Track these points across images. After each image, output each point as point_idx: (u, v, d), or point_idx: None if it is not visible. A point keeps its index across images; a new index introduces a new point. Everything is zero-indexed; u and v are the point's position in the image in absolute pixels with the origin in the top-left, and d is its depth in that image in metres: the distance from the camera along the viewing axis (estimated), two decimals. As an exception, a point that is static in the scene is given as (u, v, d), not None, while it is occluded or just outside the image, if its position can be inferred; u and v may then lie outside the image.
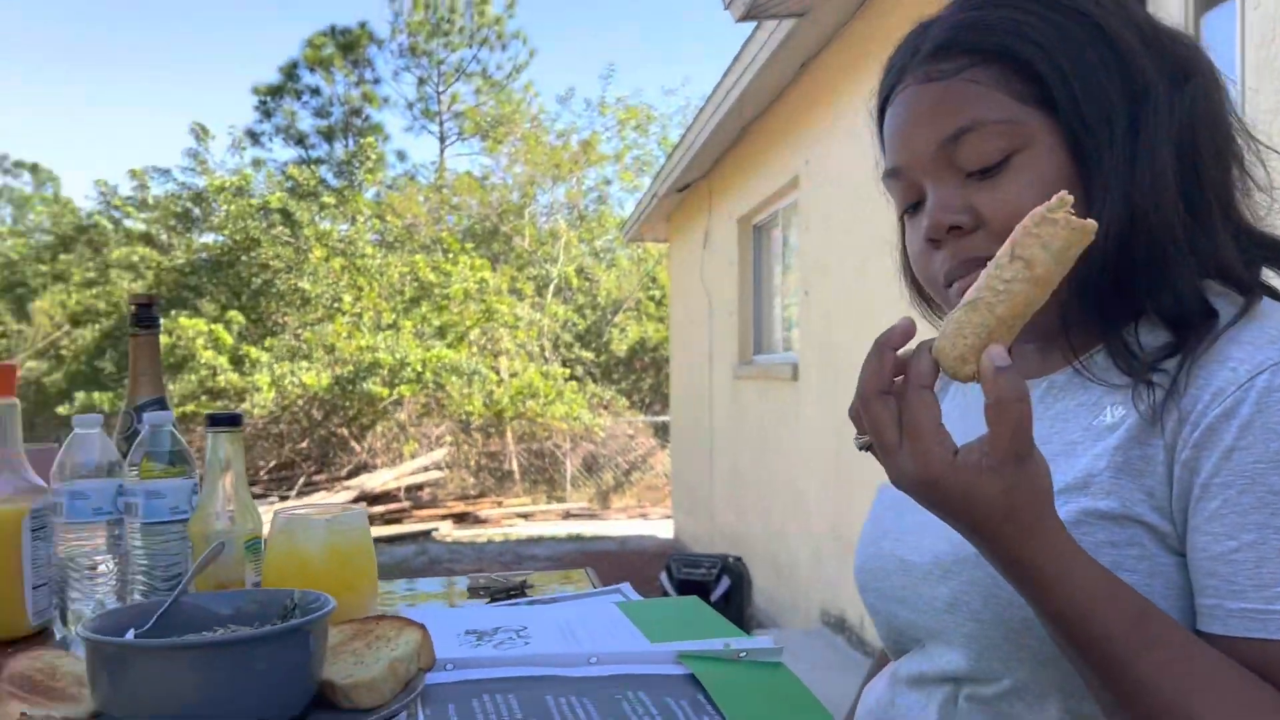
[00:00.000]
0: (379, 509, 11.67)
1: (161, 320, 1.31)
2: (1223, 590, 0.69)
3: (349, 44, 20.56)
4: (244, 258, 15.36)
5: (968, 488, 0.64)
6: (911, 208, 0.86)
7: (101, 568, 1.11)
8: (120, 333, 14.83)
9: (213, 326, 13.90)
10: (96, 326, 15.59)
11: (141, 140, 39.77)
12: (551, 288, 17.41)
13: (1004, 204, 0.77)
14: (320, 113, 20.73)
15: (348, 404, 13.91)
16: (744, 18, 4.63)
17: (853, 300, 4.60)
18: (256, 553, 1.08)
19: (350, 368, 13.64)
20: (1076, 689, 0.74)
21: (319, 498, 11.74)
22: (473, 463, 14.38)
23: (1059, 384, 0.84)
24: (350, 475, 13.15)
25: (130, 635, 0.76)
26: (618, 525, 11.81)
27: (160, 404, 1.24)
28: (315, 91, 20.67)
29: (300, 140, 20.61)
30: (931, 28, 0.84)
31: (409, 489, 12.52)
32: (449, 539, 10.69)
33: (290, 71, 20.46)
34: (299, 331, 14.68)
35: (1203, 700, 0.65)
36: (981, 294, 0.66)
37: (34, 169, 20.94)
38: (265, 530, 1.12)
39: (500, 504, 12.97)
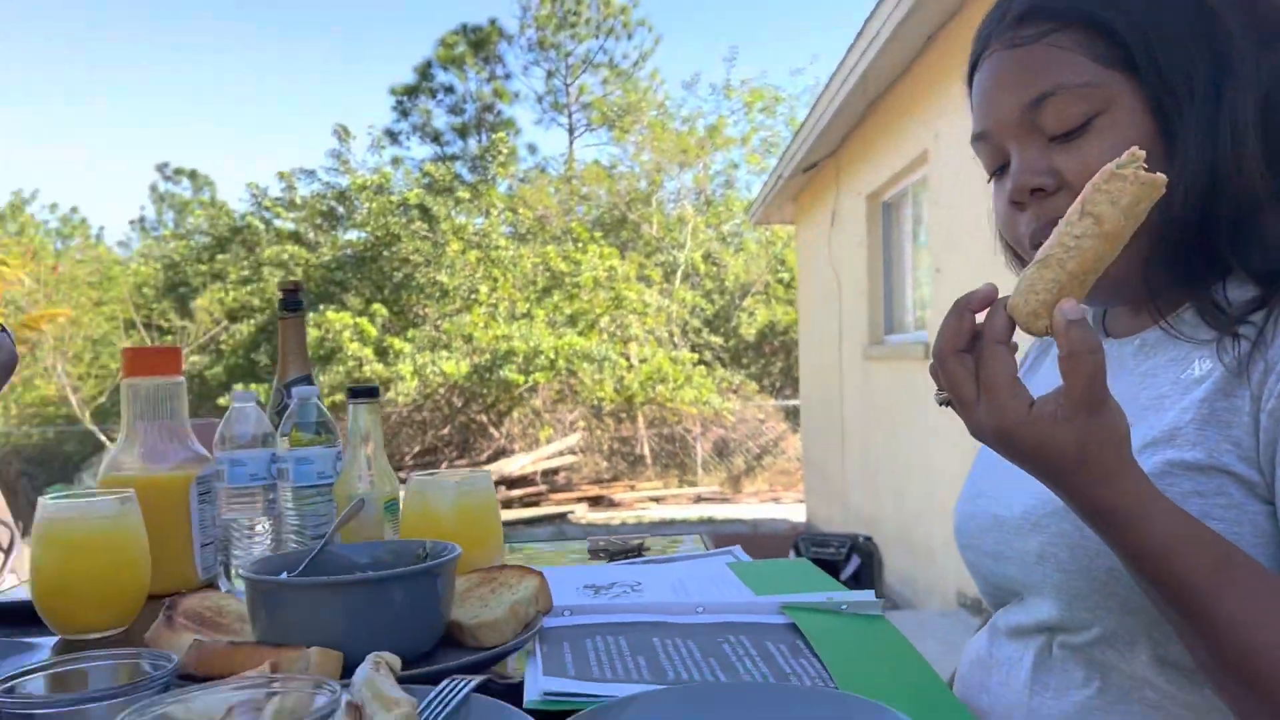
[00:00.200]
0: (517, 493, 12.02)
1: (306, 306, 1.42)
2: None
3: (480, 41, 21.08)
4: (385, 253, 16.00)
5: (1043, 438, 0.67)
6: (999, 170, 0.88)
7: (258, 527, 1.23)
8: (273, 327, 15.67)
9: (358, 319, 14.54)
10: (252, 321, 16.51)
11: (289, 143, 41.83)
12: (679, 273, 17.49)
13: (1086, 166, 0.79)
14: (454, 110, 21.35)
15: (486, 391, 14.35)
16: (866, -8, 4.57)
17: (986, 276, 4.43)
18: (394, 513, 1.18)
19: (487, 356, 14.05)
20: (1165, 635, 0.75)
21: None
22: (605, 447, 14.62)
23: (1150, 341, 0.85)
24: (489, 460, 13.58)
25: (283, 576, 0.86)
26: (749, 509, 11.82)
27: (307, 380, 1.35)
28: (449, 89, 21.29)
29: (436, 138, 21.28)
30: None
31: (545, 473, 12.84)
32: (584, 521, 10.93)
33: (425, 71, 21.14)
34: (438, 322, 15.21)
35: None
36: (1053, 250, 0.68)
37: (192, 175, 22.24)
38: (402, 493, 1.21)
39: (633, 488, 13.17)
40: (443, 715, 0.66)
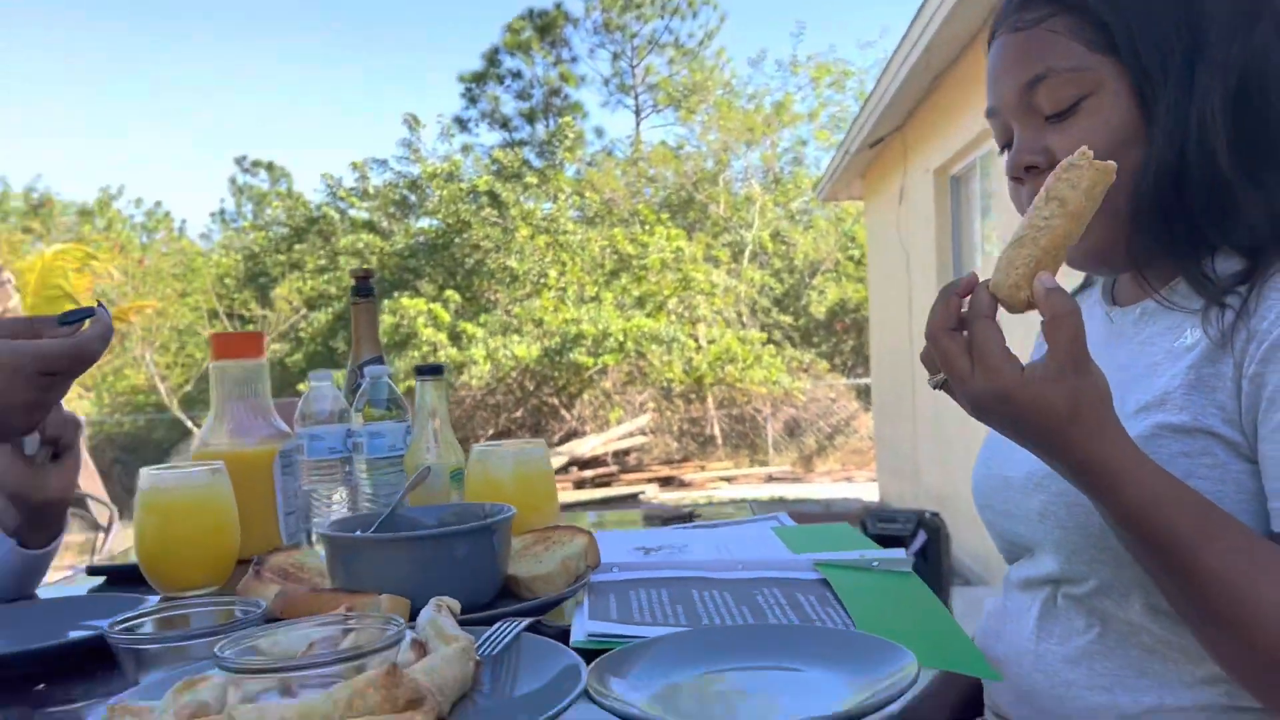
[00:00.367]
0: (588, 473, 12.19)
1: (377, 292, 1.52)
2: None
3: (546, 26, 21.22)
4: (457, 239, 16.27)
5: (1036, 396, 0.72)
6: (1006, 146, 0.93)
7: (336, 496, 1.33)
8: (350, 315, 16.04)
9: (431, 306, 14.83)
10: (329, 310, 16.94)
11: (361, 134, 42.72)
12: (747, 253, 17.46)
13: (1073, 146, 0.84)
14: (522, 95, 21.55)
15: (556, 374, 14.54)
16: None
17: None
18: (459, 481, 1.27)
19: (557, 339, 14.23)
20: (1155, 587, 0.80)
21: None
22: (675, 428, 14.72)
23: (1148, 310, 0.90)
24: (561, 441, 13.77)
25: (358, 534, 0.95)
26: (821, 488, 11.81)
27: (379, 361, 1.45)
28: (517, 75, 21.50)
29: (504, 124, 21.51)
30: None
31: (616, 454, 12.99)
32: (655, 501, 11.04)
33: (492, 57, 21.37)
34: (509, 307, 15.44)
35: (1267, 585, 0.70)
36: (1025, 231, 0.75)
37: (269, 167, 22.79)
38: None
39: (703, 468, 13.24)
40: (496, 650, 0.74)
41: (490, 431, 14.52)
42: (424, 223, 17.38)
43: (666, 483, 12.23)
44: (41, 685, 0.84)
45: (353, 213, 17.91)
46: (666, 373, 14.33)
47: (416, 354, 14.29)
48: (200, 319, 18.02)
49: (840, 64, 19.56)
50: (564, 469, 12.13)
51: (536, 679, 0.70)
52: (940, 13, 5.30)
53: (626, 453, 13.38)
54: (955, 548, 6.10)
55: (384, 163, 18.15)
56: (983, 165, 6.34)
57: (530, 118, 21.59)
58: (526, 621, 0.79)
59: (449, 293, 15.61)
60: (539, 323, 14.62)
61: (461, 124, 21.35)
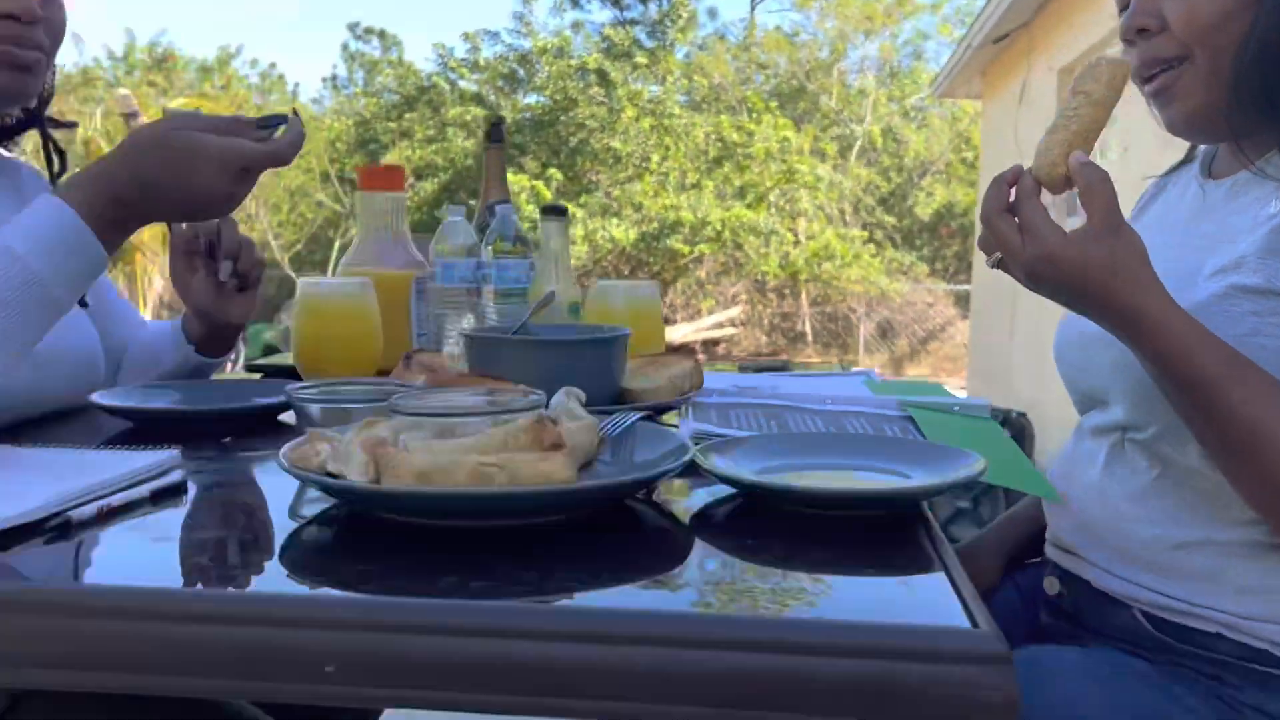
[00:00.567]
0: (677, 358, 12.36)
1: (507, 136, 1.62)
2: None
3: (665, -101, 20.57)
4: (563, 117, 16.27)
5: (1079, 254, 0.82)
6: (1124, 9, 0.97)
7: (465, 322, 1.47)
8: (456, 185, 16.30)
9: (535, 183, 14.97)
10: (436, 180, 17.23)
11: (474, 6, 42.43)
12: (856, 148, 17.06)
13: (1186, 10, 0.89)
14: (635, -28, 21.07)
15: (652, 260, 14.63)
16: None
17: (1176, 156, 4.31)
18: (576, 313, 1.39)
19: (655, 225, 14.27)
20: None
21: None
22: (766, 322, 14.75)
23: (1241, 181, 0.95)
24: (652, 326, 13.95)
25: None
26: (909, 391, 11.78)
27: (506, 201, 1.56)
28: (632, -49, 20.98)
29: (616, 1, 21.11)
30: None
31: (705, 343, 13.12)
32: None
33: (608, -69, 20.86)
34: (610, 189, 15.48)
35: (1277, 417, 0.79)
36: (1059, 120, 0.88)
37: (381, 34, 22.87)
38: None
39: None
40: (616, 432, 0.86)
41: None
42: (531, 98, 17.39)
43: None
44: (228, 439, 0.99)
45: (462, 84, 17.99)
46: (762, 265, 14.30)
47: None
48: (312, 180, 18.50)
49: (971, -48, 18.61)
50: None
51: (650, 453, 0.82)
52: (1084, -101, 5.04)
53: (716, 342, 13.51)
54: (1038, 453, 6.11)
55: (495, 35, 18.10)
56: (1112, 67, 6.08)
57: (643, -5, 21.13)
58: (643, 412, 0.91)
59: (552, 170, 15.70)
60: (638, 207, 14.65)
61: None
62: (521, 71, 17.51)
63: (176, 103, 12.80)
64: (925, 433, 1.03)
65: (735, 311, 14.35)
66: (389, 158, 17.84)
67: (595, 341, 1.02)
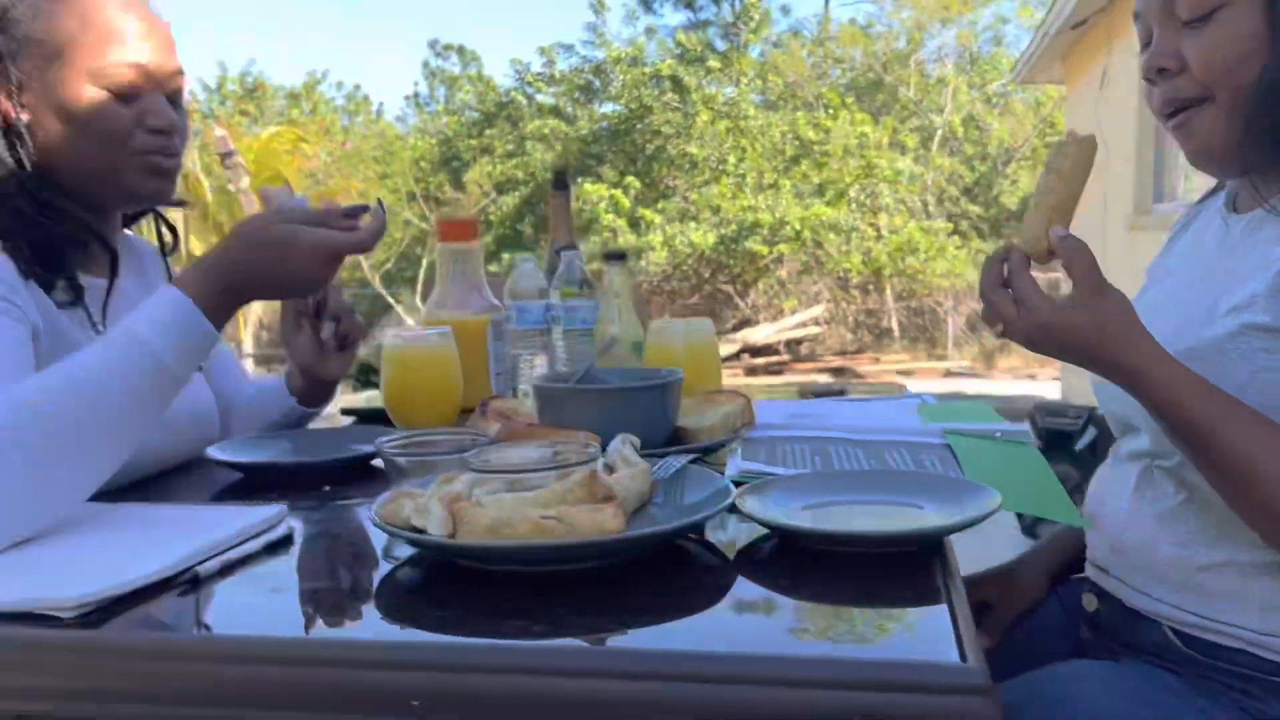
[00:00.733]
0: (760, 361, 12.37)
1: (571, 184, 1.73)
2: None
3: (734, -101, 20.58)
4: (638, 125, 16.42)
5: (1067, 321, 0.90)
6: (1146, 46, 1.03)
7: (537, 360, 1.58)
8: (536, 199, 16.60)
9: (613, 192, 15.14)
10: (517, 194, 17.54)
11: (549, 17, 43.05)
12: (937, 138, 16.81)
13: (1204, 52, 0.94)
14: (708, -28, 21.11)
15: (731, 262, 14.66)
16: None
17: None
18: (639, 351, 1.49)
19: (733, 227, 14.30)
20: None
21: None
22: (851, 319, 14.65)
23: (1258, 218, 1.00)
24: (734, 329, 13.98)
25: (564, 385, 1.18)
26: (1002, 385, 11.58)
27: (573, 246, 1.67)
28: (702, -48, 21.03)
29: (689, 3, 21.19)
30: None
31: (788, 343, 13.10)
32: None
33: (678, -66, 20.95)
34: (687, 194, 15.56)
35: (1271, 461, 0.84)
36: (1036, 198, 0.97)
37: (460, 51, 23.36)
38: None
39: (878, 360, 13.18)
40: (667, 475, 0.96)
41: (665, 317, 14.87)
42: (607, 108, 17.59)
43: (839, 373, 12.27)
44: (326, 487, 1.12)
45: (539, 98, 18.29)
46: (844, 262, 14.20)
47: (597, 239, 14.70)
48: (399, 200, 19.02)
49: (1050, -67, 18.18)
50: (735, 356, 12.36)
51: (696, 495, 0.91)
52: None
53: (799, 342, 13.46)
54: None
55: (570, 47, 18.36)
56: (1195, 48, 5.93)
57: (716, -4, 21.17)
58: (692, 455, 1.00)
59: (629, 179, 15.85)
60: (716, 210, 14.70)
61: (646, 4, 21.19)
62: (597, 82, 17.73)
63: (268, 131, 13.33)
64: (962, 461, 1.10)
65: (818, 310, 14.28)
66: (471, 174, 18.23)
67: (650, 388, 1.12)
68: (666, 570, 0.81)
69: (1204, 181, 1.15)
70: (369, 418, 1.55)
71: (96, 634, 0.71)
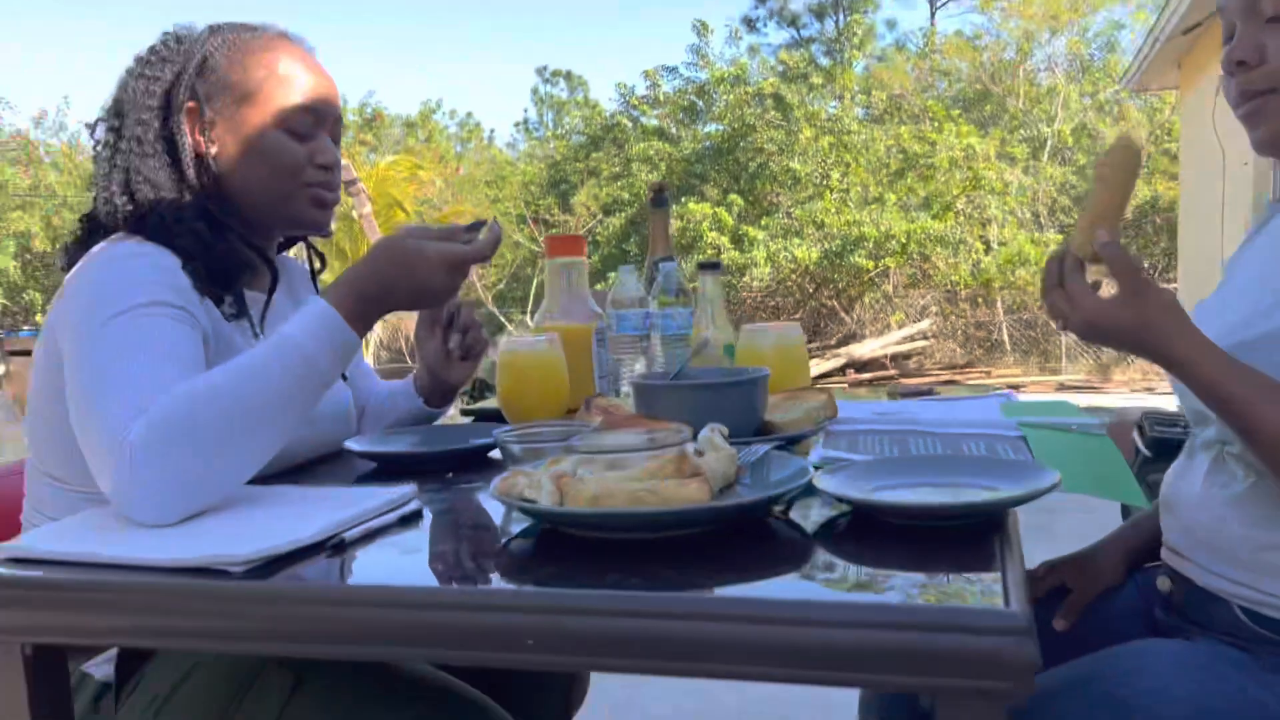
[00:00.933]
0: (866, 375, 12.27)
1: (670, 200, 1.84)
2: None
3: (838, -84, 20.58)
4: (741, 143, 16.50)
5: (1115, 316, 0.98)
6: (1229, 40, 1.09)
7: (637, 365, 1.69)
8: (640, 219, 16.82)
9: (716, 209, 15.24)
10: (622, 215, 17.82)
11: (653, 42, 43.69)
12: (1047, 148, 16.42)
13: None
14: (811, -10, 21.14)
15: (836, 276, 14.58)
16: None
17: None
18: (731, 354, 1.59)
19: (838, 242, 14.23)
20: None
21: (810, 364, 12.58)
22: (960, 333, 14.38)
23: None
24: (839, 344, 13.89)
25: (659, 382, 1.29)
26: (1118, 399, 11.22)
27: (670, 259, 1.78)
28: (807, -31, 21.07)
29: (792, 21, 21.25)
30: None
31: (895, 357, 12.94)
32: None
33: (782, -47, 21.05)
34: (791, 210, 15.56)
35: None
36: (1083, 205, 1.06)
37: (568, 76, 23.88)
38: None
39: (989, 374, 12.91)
40: (753, 460, 1.05)
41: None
42: (710, 128, 17.73)
43: (948, 387, 12.07)
44: (450, 474, 1.25)
45: (644, 120, 18.56)
46: (952, 275, 13.98)
47: (700, 256, 14.80)
48: (510, 223, 19.53)
49: (1166, -66, 17.63)
50: (841, 370, 12.28)
51: (778, 475, 1.00)
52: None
53: (907, 356, 13.29)
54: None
55: (674, 70, 18.60)
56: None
57: (819, 13, 21.17)
58: (776, 442, 1.10)
59: (732, 196, 15.93)
60: (820, 225, 14.65)
61: (750, 24, 21.32)
62: (700, 103, 17.91)
63: (386, 159, 13.90)
64: (1034, 449, 1.17)
65: (926, 324, 14.08)
66: (578, 197, 18.60)
67: (737, 383, 1.22)
68: (751, 541, 0.91)
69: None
70: (486, 417, 1.68)
71: (261, 584, 0.85)
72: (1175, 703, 0.96)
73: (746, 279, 14.69)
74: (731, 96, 16.63)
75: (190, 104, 1.26)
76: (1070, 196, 16.21)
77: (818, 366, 12.30)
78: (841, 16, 20.45)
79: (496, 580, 0.85)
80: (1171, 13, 7.45)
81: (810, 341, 14.61)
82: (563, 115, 23.25)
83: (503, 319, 17.15)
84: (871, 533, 0.90)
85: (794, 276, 14.93)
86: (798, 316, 15.01)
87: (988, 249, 14.26)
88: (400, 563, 0.92)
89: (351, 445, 1.32)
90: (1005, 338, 14.37)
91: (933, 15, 21.67)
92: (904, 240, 13.77)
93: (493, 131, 26.87)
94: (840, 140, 15.45)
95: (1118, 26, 18.09)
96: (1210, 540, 1.09)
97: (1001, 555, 0.81)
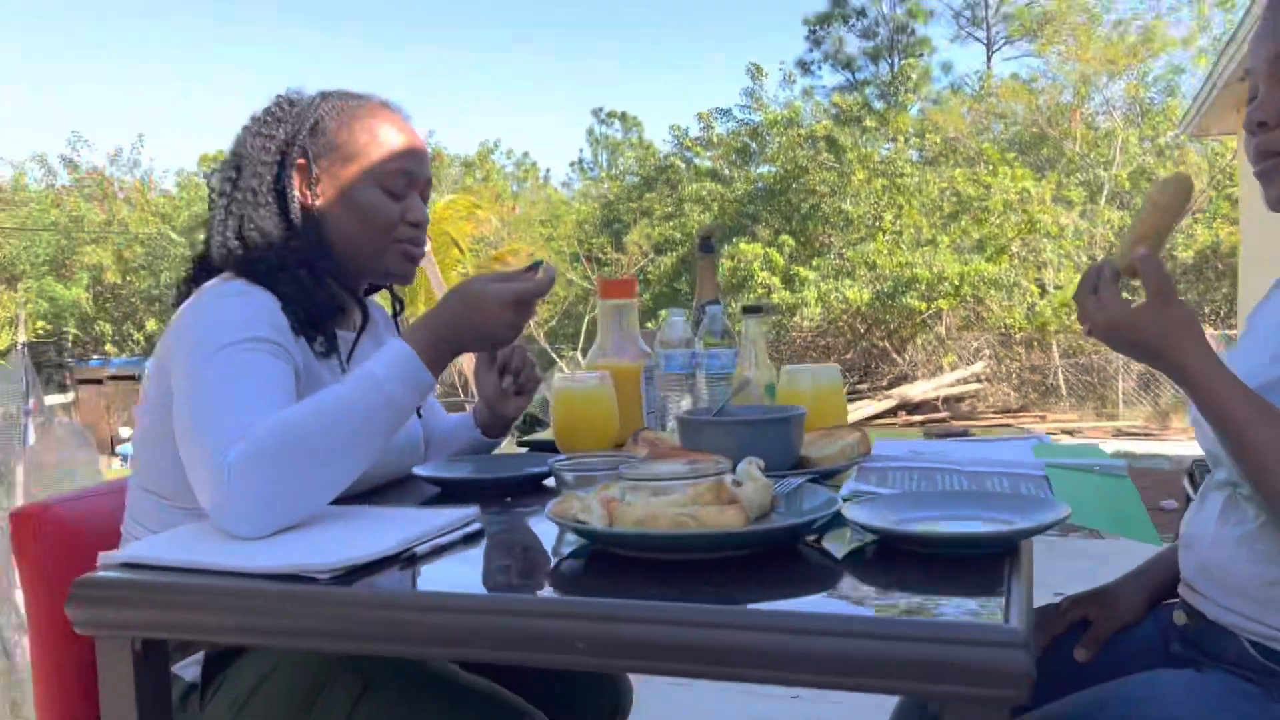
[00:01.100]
0: (918, 418, 12.20)
1: (717, 246, 1.95)
2: None
3: (894, -39, 20.78)
4: (793, 185, 16.63)
5: (1136, 321, 1.05)
6: (1250, 101, 1.17)
7: (684, 402, 1.79)
8: (692, 258, 16.97)
9: (767, 250, 15.34)
10: (674, 254, 18.01)
11: (708, 84, 44.25)
12: (1105, 192, 16.29)
13: None
14: (866, 34, 21.33)
15: (888, 318, 14.56)
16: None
17: None
18: (772, 393, 1.68)
19: (890, 283, 14.22)
20: None
21: (861, 405, 12.56)
22: (1014, 376, 14.25)
23: None
24: (891, 385, 13.84)
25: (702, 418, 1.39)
26: (1176, 445, 11.04)
27: (716, 302, 1.88)
28: (862, 14, 21.27)
29: (847, 64, 21.42)
30: None
31: (948, 399, 12.86)
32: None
33: (838, -2, 21.27)
34: (842, 250, 15.60)
35: None
36: (1132, 224, 1.12)
37: (622, 117, 24.25)
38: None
39: (1044, 419, 12.78)
40: (787, 491, 1.14)
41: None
42: (763, 169, 17.89)
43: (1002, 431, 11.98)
44: (509, 498, 1.35)
45: (697, 161, 18.78)
46: (1006, 319, 13.89)
47: (751, 296, 14.88)
48: (564, 261, 19.81)
49: (1228, -22, 17.52)
50: (892, 412, 12.23)
51: (809, 505, 1.09)
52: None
53: (960, 399, 13.20)
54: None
55: (727, 112, 18.83)
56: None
57: (874, 56, 21.33)
58: (810, 475, 1.18)
59: (784, 237, 16.03)
60: (872, 266, 14.67)
61: (804, 67, 21.53)
62: (753, 144, 18.09)
63: (445, 199, 14.22)
64: (1055, 488, 1.24)
65: (979, 366, 13.99)
66: (631, 236, 18.83)
67: (774, 421, 1.31)
68: (782, 563, 0.99)
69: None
70: (541, 447, 1.79)
71: (343, 589, 0.95)
72: (1183, 729, 1.03)
73: (797, 319, 14.74)
74: (785, 138, 16.78)
75: (300, 161, 1.40)
76: (1128, 240, 16.05)
77: (870, 407, 12.27)
78: (896, 59, 20.57)
79: (549, 591, 0.95)
80: (1229, 59, 7.44)
81: (860, 382, 14.58)
82: (617, 156, 23.58)
83: (554, 354, 17.35)
84: (895, 559, 0.99)
85: (845, 317, 14.94)
86: (849, 356, 15.00)
87: (1043, 292, 14.16)
88: (464, 574, 1.02)
89: (420, 471, 1.43)
90: (1061, 382, 14.21)
91: (989, 58, 21.73)
92: (957, 282, 13.74)
93: (548, 171, 27.41)
94: (894, 182, 15.50)
95: (1178, 71, 18.01)
96: (1222, 577, 1.15)
97: (1008, 579, 0.89)
